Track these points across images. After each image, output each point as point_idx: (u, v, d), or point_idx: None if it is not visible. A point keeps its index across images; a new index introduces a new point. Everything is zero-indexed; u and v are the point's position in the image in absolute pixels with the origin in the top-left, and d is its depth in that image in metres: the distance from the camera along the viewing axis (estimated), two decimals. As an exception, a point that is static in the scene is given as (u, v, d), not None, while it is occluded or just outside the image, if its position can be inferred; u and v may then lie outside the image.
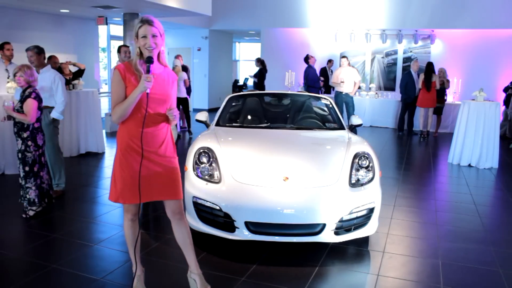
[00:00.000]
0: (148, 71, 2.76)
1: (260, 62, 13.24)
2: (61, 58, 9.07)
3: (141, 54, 2.85)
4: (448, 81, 11.10)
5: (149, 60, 2.78)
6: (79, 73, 8.42)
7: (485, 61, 12.65)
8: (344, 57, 10.93)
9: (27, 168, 4.65)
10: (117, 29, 14.04)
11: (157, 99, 2.86)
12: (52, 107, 5.24)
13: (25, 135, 4.62)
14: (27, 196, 4.66)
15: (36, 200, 4.67)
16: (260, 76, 12.97)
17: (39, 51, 5.24)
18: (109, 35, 14.41)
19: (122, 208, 5.08)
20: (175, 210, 3.06)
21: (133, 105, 2.79)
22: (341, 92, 10.61)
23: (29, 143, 4.63)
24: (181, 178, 3.06)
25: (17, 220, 4.61)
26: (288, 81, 10.75)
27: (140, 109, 2.82)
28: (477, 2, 12.39)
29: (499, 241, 4.38)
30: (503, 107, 10.80)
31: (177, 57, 10.71)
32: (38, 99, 4.59)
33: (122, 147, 2.89)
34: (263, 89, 12.59)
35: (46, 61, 5.60)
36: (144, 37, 2.78)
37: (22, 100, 4.54)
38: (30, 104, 4.50)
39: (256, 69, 13.33)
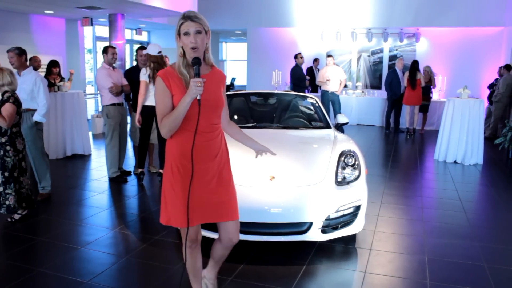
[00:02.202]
0: (197, 74, 2.41)
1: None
2: (46, 59, 9.01)
3: (184, 55, 2.51)
4: (434, 78, 11.21)
5: (197, 62, 2.42)
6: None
7: (469, 58, 12.79)
8: (329, 56, 11.00)
9: (6, 174, 4.51)
10: (103, 30, 13.95)
11: (209, 105, 2.51)
12: (34, 110, 5.14)
13: (3, 140, 4.48)
14: (6, 202, 4.53)
15: (16, 205, 4.56)
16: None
17: (20, 52, 5.15)
18: (95, 36, 14.31)
19: (109, 210, 5.08)
20: (233, 235, 2.71)
21: (183, 115, 2.43)
22: (327, 91, 10.70)
23: (8, 148, 4.49)
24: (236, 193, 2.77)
25: (2, 223, 4.55)
26: (275, 80, 10.77)
27: (191, 118, 2.47)
28: (461, 0, 12.54)
29: (484, 236, 4.44)
30: (487, 104, 10.94)
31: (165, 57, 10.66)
32: (17, 103, 4.48)
33: (171, 162, 2.57)
34: None
35: (28, 62, 5.53)
36: (186, 34, 2.44)
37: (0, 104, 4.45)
38: (8, 109, 4.37)
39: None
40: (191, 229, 2.64)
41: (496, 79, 10.81)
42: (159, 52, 5.76)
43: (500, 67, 10.67)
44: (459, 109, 7.70)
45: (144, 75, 5.78)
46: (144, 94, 5.80)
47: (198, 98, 2.40)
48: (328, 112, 10.37)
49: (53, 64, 8.23)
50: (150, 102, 5.79)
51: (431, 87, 11.24)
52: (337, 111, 10.43)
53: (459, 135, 7.69)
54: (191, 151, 2.49)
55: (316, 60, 13.40)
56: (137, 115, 5.89)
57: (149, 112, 5.84)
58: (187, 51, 2.47)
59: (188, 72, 2.48)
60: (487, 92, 11.33)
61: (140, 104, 5.83)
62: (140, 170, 6.15)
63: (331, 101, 10.76)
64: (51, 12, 11.11)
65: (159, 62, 5.75)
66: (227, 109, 2.79)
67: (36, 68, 7.26)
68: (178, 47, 2.51)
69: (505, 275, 3.60)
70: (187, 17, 2.45)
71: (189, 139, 2.50)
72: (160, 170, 6.11)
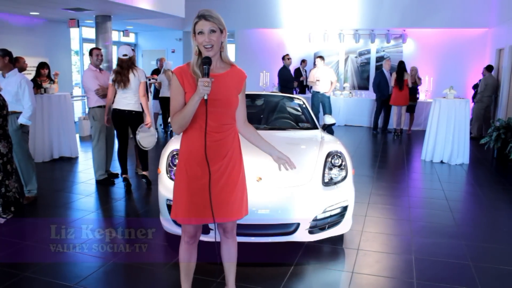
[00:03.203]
0: (206, 74, 2.41)
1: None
2: (33, 61, 8.93)
3: (200, 53, 2.50)
4: (419, 79, 11.30)
5: (206, 61, 2.42)
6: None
7: (455, 59, 12.94)
8: (319, 57, 11.04)
9: None
10: (90, 32, 13.86)
11: (219, 104, 2.51)
12: (20, 112, 5.09)
13: None
14: None
15: (0, 209, 4.52)
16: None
17: (4, 53, 5.10)
18: (81, 37, 14.22)
19: (96, 213, 5.04)
20: (228, 229, 2.82)
21: (192, 113, 2.45)
22: (317, 92, 10.74)
23: None
24: (246, 192, 2.79)
25: (-13, 228, 4.51)
26: (262, 81, 10.78)
27: (199, 118, 2.49)
28: (447, 2, 12.70)
29: (470, 234, 4.49)
30: (472, 104, 11.06)
31: (161, 59, 10.60)
32: None
33: (182, 160, 2.61)
34: None
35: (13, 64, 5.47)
36: (201, 33, 2.45)
37: None
38: None
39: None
40: (193, 225, 2.69)
41: (480, 80, 10.94)
42: (125, 55, 5.69)
43: (484, 68, 10.80)
44: (445, 109, 7.77)
45: (110, 77, 5.77)
46: (110, 97, 5.78)
47: (205, 97, 2.41)
48: (318, 113, 10.47)
49: (42, 65, 8.15)
50: (117, 105, 5.73)
51: (418, 86, 11.32)
52: (327, 112, 10.48)
53: (446, 135, 7.76)
54: (205, 150, 2.50)
55: (303, 61, 13.44)
56: (105, 116, 5.91)
57: (118, 115, 5.77)
58: (202, 49, 2.48)
59: (201, 71, 2.48)
60: (472, 92, 11.46)
61: (107, 107, 5.83)
62: (124, 176, 6.01)
63: (321, 102, 10.81)
64: (37, 13, 11.01)
65: (122, 65, 5.70)
66: (244, 110, 2.77)
67: (22, 70, 7.18)
68: (194, 45, 2.52)
69: (490, 273, 3.65)
70: (202, 16, 2.45)
71: (198, 139, 2.52)
72: (144, 173, 6.07)
